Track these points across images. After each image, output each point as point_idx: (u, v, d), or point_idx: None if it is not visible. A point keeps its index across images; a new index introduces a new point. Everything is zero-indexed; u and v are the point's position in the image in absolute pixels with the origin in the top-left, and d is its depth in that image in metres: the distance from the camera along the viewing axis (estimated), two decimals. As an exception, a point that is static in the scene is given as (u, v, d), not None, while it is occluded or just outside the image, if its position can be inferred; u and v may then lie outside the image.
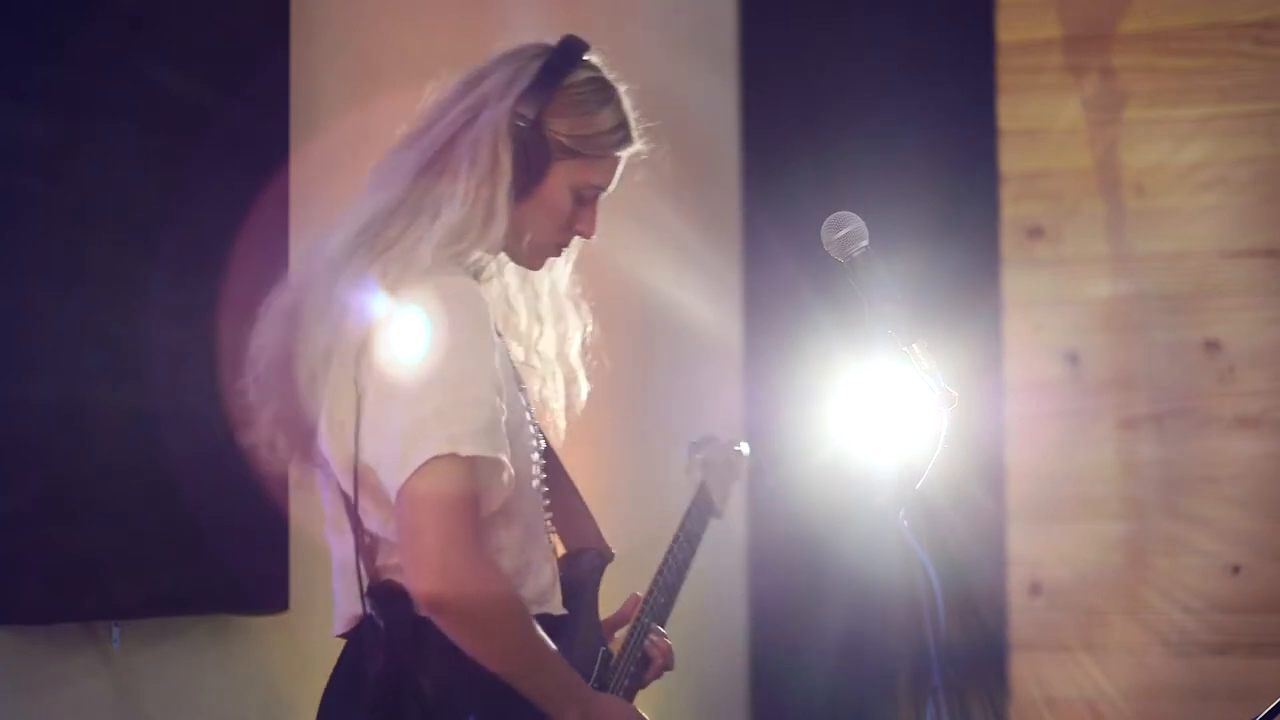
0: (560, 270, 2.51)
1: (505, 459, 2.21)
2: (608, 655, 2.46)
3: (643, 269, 4.14)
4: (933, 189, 4.34)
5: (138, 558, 2.83)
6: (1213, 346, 4.26)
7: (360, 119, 3.32)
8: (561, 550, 2.51)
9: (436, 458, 2.15)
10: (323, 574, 3.18)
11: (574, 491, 2.53)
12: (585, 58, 2.38)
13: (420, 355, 2.19)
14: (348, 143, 3.28)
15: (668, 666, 2.54)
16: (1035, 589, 4.34)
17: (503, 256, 2.42)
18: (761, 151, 4.66)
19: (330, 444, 2.28)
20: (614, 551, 2.53)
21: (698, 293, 4.40)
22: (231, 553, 2.98)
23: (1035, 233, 4.39)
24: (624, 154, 2.39)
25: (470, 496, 2.17)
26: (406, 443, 2.16)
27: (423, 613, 2.20)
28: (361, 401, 2.22)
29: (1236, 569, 4.20)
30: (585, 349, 2.55)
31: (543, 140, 2.31)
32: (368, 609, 2.27)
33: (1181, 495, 4.25)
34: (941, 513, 2.23)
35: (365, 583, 2.28)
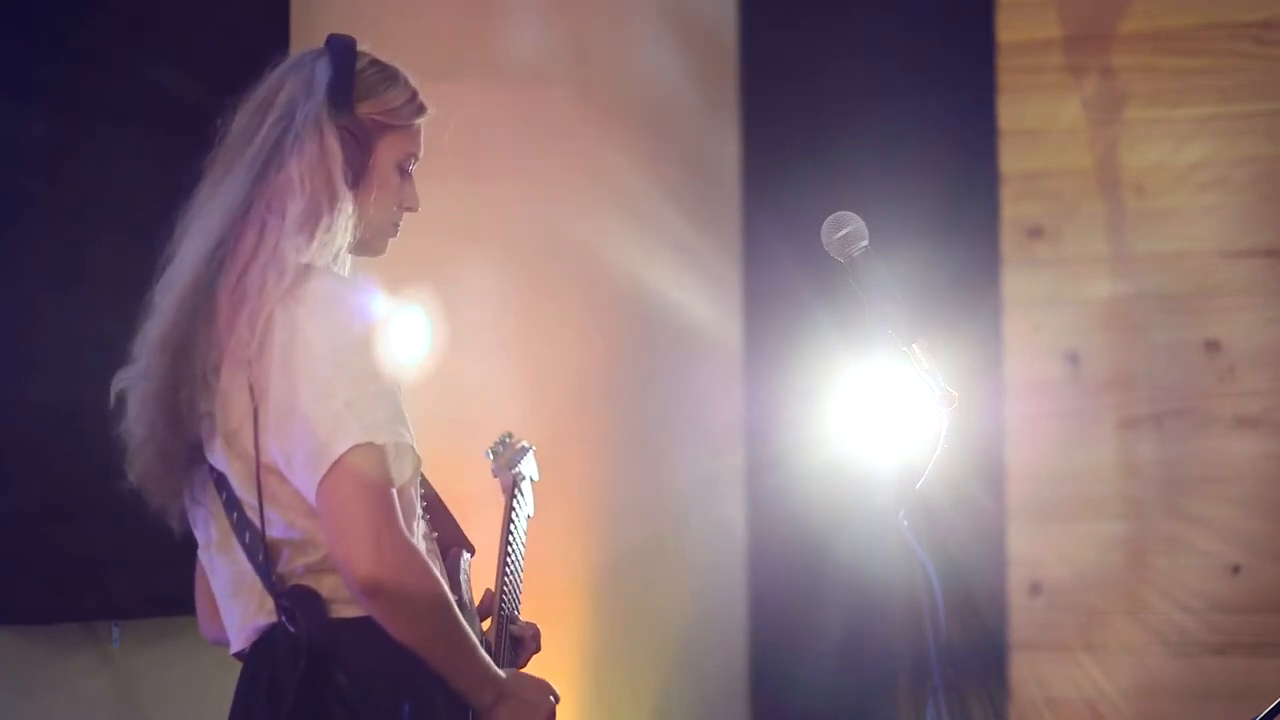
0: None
1: (413, 443, 2.27)
2: (486, 643, 2.50)
3: (643, 269, 4.14)
4: (933, 189, 4.34)
5: (138, 558, 2.83)
6: (1213, 346, 4.26)
7: (360, 119, 3.31)
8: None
9: (355, 446, 2.21)
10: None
11: (430, 486, 2.56)
12: (358, 49, 2.48)
13: (322, 354, 2.24)
14: (348, 143, 3.27)
15: (538, 649, 2.62)
16: (1035, 589, 4.34)
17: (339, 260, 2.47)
18: (761, 151, 4.66)
19: (226, 454, 2.31)
20: (474, 546, 2.58)
21: (698, 293, 4.40)
22: (231, 553, 2.97)
23: (1035, 233, 4.39)
24: (423, 121, 2.47)
25: (389, 482, 2.23)
26: (322, 436, 2.21)
27: (352, 615, 2.25)
28: (260, 405, 2.26)
29: (1236, 569, 4.20)
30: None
31: (359, 122, 2.39)
32: (279, 617, 2.30)
33: (1181, 495, 4.25)
34: (941, 513, 2.23)
35: (272, 592, 2.31)
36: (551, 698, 2.40)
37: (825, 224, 2.37)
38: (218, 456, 2.32)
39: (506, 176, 3.74)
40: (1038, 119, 4.40)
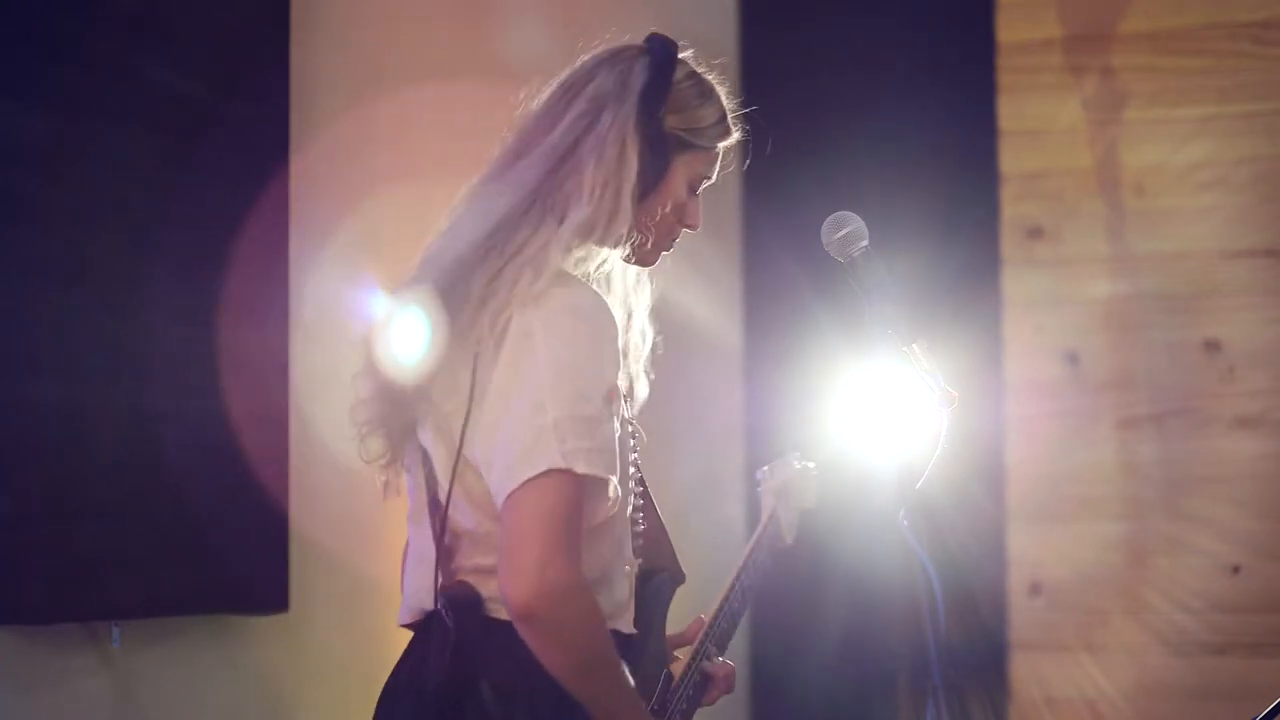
0: (646, 282, 2.53)
1: (614, 480, 2.22)
2: (669, 677, 2.46)
3: (642, 269, 4.14)
4: (933, 189, 4.34)
5: (138, 558, 2.83)
6: (1213, 346, 4.26)
7: (360, 119, 3.32)
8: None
9: (550, 470, 2.15)
10: (322, 574, 3.19)
11: (655, 511, 2.52)
12: (680, 56, 2.43)
13: (545, 365, 2.19)
14: (348, 143, 3.28)
15: (728, 689, 2.55)
16: (1035, 589, 4.34)
17: (607, 264, 2.44)
18: (761, 151, 4.65)
19: (434, 437, 2.29)
20: (685, 574, 2.52)
21: (698, 293, 4.40)
22: (231, 553, 2.98)
23: (1035, 233, 4.39)
24: (726, 145, 2.45)
25: (576, 513, 2.17)
26: (522, 451, 2.16)
27: (509, 619, 2.19)
28: (477, 400, 2.22)
29: (1236, 569, 4.20)
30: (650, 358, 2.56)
31: (663, 136, 2.35)
32: (439, 606, 2.28)
33: (1181, 495, 4.25)
34: (941, 513, 2.23)
35: (440, 580, 2.29)
36: None
37: (825, 224, 2.38)
38: (427, 435, 2.29)
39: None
40: (1038, 119, 4.40)
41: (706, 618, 2.56)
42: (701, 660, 2.51)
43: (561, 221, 2.27)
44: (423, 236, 2.48)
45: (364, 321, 2.34)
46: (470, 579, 2.28)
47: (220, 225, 2.97)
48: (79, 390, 2.75)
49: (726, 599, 2.59)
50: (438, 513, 2.29)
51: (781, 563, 2.71)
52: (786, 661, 4.47)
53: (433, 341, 2.26)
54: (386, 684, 2.37)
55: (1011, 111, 4.41)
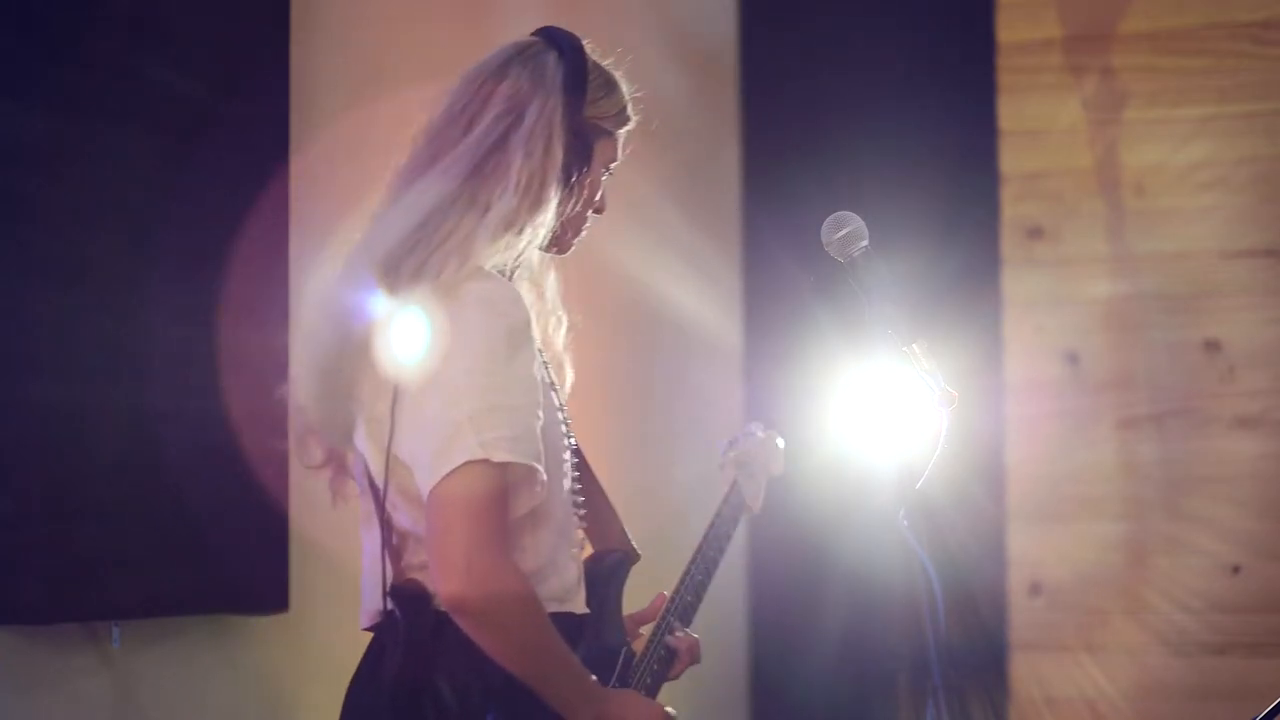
0: (552, 267, 2.55)
1: (539, 466, 2.24)
2: (630, 654, 2.48)
3: (643, 269, 4.14)
4: (933, 189, 4.34)
5: (138, 558, 2.83)
6: (1213, 346, 4.26)
7: (360, 119, 3.32)
8: (589, 550, 2.53)
9: (469, 462, 2.18)
10: (322, 574, 3.19)
11: (600, 492, 2.55)
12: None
13: (458, 360, 2.21)
14: (348, 143, 3.28)
15: (694, 660, 2.56)
16: (1035, 589, 4.34)
17: (524, 255, 2.45)
18: (761, 151, 4.66)
19: (367, 439, 2.31)
20: (640, 552, 2.55)
21: (698, 293, 4.40)
22: (231, 553, 2.98)
23: (1035, 233, 4.39)
24: (628, 130, 2.48)
25: (499, 501, 2.20)
26: (441, 445, 2.19)
27: (445, 611, 2.23)
28: (399, 398, 2.25)
29: (1236, 569, 4.20)
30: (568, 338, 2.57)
31: (586, 125, 2.38)
32: (390, 605, 2.31)
33: (1181, 495, 4.25)
34: (941, 513, 2.23)
35: (389, 580, 2.32)
36: (658, 718, 2.36)
37: (825, 224, 2.37)
38: (361, 437, 2.32)
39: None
40: (1038, 119, 4.40)
41: (668, 593, 2.58)
42: (664, 635, 2.52)
43: (486, 213, 2.29)
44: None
45: (298, 321, 2.35)
46: (419, 576, 2.31)
47: (220, 225, 2.97)
48: (79, 390, 2.74)
49: (688, 571, 2.62)
50: (382, 515, 2.31)
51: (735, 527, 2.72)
52: (786, 661, 4.47)
53: (362, 339, 2.27)
54: (349, 685, 2.39)
55: (1011, 111, 4.41)
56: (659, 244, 4.20)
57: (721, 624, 4.49)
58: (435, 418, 2.20)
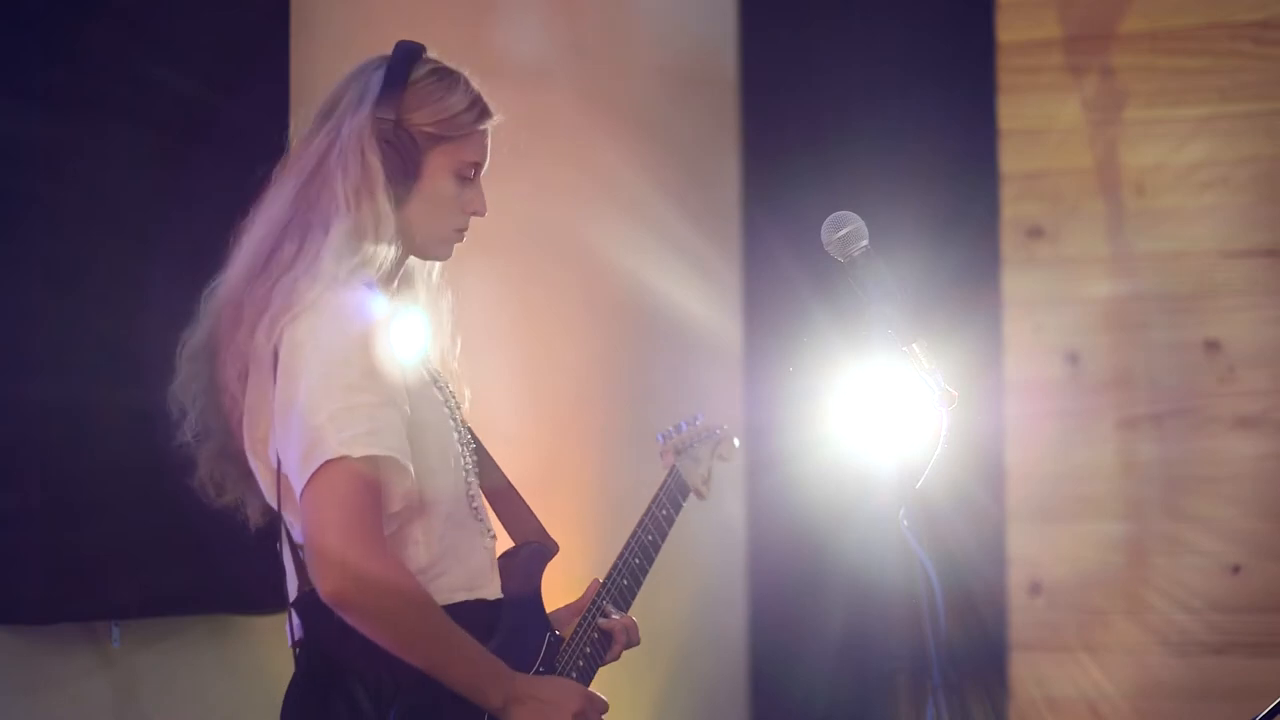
0: (435, 272, 2.56)
1: (400, 457, 2.26)
2: (556, 640, 2.49)
3: (643, 269, 4.14)
4: (933, 189, 4.34)
5: (138, 558, 2.83)
6: (1213, 346, 4.26)
7: (360, 119, 3.31)
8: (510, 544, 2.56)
9: (330, 461, 2.22)
10: (323, 574, 3.18)
11: (510, 487, 2.57)
12: (423, 54, 2.47)
13: (314, 368, 2.25)
14: (348, 143, 3.27)
15: (632, 642, 2.57)
16: (1035, 589, 4.34)
17: (412, 260, 2.48)
18: (761, 151, 4.66)
19: (255, 461, 2.36)
20: (558, 544, 2.57)
21: (698, 293, 4.40)
22: (231, 553, 2.97)
23: (1035, 233, 4.39)
24: (487, 126, 2.46)
25: (366, 496, 2.23)
26: (306, 449, 2.23)
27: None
28: (273, 417, 2.29)
29: (1236, 569, 4.20)
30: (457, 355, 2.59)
31: (408, 135, 2.38)
32: (291, 616, 2.36)
33: (1181, 495, 4.25)
34: (941, 513, 2.23)
35: (293, 595, 2.36)
36: (580, 700, 2.37)
37: (825, 224, 2.38)
38: (254, 464, 2.37)
39: (506, 177, 3.74)
40: (1038, 119, 4.40)
41: (601, 579, 2.59)
42: (595, 619, 2.53)
43: (327, 231, 2.33)
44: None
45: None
46: None
47: (220, 226, 2.96)
48: (79, 390, 2.75)
49: (622, 555, 2.62)
50: (284, 532, 2.36)
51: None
52: (786, 661, 4.47)
53: (233, 369, 2.33)
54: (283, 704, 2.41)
55: (1011, 111, 4.41)
56: (659, 244, 4.20)
57: (721, 624, 4.49)
58: (299, 426, 2.24)
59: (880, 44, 4.52)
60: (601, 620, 2.53)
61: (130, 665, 2.88)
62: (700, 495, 2.84)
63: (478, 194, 2.45)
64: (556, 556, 2.57)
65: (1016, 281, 4.39)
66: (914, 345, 2.31)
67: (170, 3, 2.94)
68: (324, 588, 2.22)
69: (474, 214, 2.46)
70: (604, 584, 2.58)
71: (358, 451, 2.22)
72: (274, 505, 2.35)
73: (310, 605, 2.31)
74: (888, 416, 2.41)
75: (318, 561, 2.23)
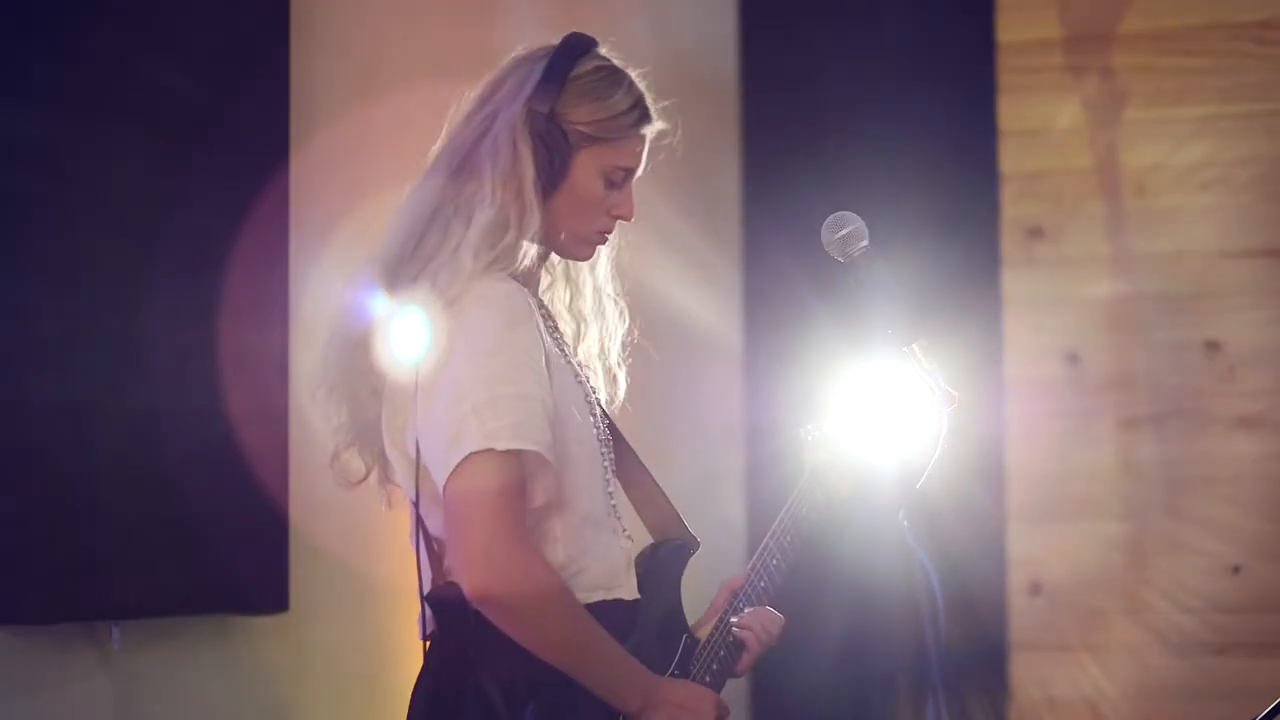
0: (602, 269, 2.53)
1: (544, 451, 2.23)
2: (692, 642, 2.43)
3: (643, 269, 4.14)
4: (933, 189, 4.34)
5: (138, 558, 2.83)
6: (1213, 346, 4.26)
7: (360, 119, 3.32)
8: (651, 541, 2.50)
9: (474, 454, 2.18)
10: (322, 574, 3.19)
11: (653, 483, 2.53)
12: (592, 50, 2.42)
13: (460, 358, 2.22)
14: (348, 143, 3.28)
15: (769, 642, 2.52)
16: (1035, 589, 4.34)
17: (553, 257, 2.45)
18: (761, 151, 4.65)
19: (392, 449, 2.33)
20: (699, 540, 2.51)
21: (698, 293, 4.40)
22: (231, 553, 2.98)
23: (1035, 233, 4.39)
24: (645, 132, 2.42)
25: (511, 490, 2.20)
26: (449, 441, 2.20)
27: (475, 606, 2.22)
28: (415, 405, 2.25)
29: (1236, 569, 4.20)
30: (625, 349, 2.56)
31: (561, 132, 2.34)
32: (425, 610, 2.32)
33: (1181, 495, 4.25)
34: (941, 513, 2.23)
35: (431, 584, 2.31)
36: (716, 708, 2.34)
37: (825, 224, 2.38)
38: (389, 449, 2.34)
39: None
40: (1038, 119, 4.40)
41: (738, 583, 2.53)
42: (727, 623, 2.46)
43: (469, 225, 2.29)
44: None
45: (311, 341, 2.37)
46: (455, 578, 2.29)
47: (220, 225, 2.97)
48: (79, 390, 2.75)
49: (760, 557, 2.56)
50: (418, 522, 2.32)
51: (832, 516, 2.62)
52: (786, 662, 4.46)
53: (374, 352, 2.30)
54: (411, 694, 2.38)
55: (1011, 111, 4.41)
56: (659, 244, 4.19)
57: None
58: (442, 416, 2.21)
59: (880, 44, 4.52)
60: (736, 630, 2.47)
61: (130, 665, 2.88)
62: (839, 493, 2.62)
63: (626, 198, 2.40)
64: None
65: (1016, 281, 4.39)
66: (914, 345, 2.31)
67: (171, 3, 2.94)
68: (468, 584, 2.19)
69: (620, 218, 2.42)
70: (741, 587, 2.52)
71: (502, 445, 2.18)
72: (411, 496, 2.30)
73: (444, 599, 2.27)
74: (887, 417, 2.41)
75: (463, 558, 2.20)
